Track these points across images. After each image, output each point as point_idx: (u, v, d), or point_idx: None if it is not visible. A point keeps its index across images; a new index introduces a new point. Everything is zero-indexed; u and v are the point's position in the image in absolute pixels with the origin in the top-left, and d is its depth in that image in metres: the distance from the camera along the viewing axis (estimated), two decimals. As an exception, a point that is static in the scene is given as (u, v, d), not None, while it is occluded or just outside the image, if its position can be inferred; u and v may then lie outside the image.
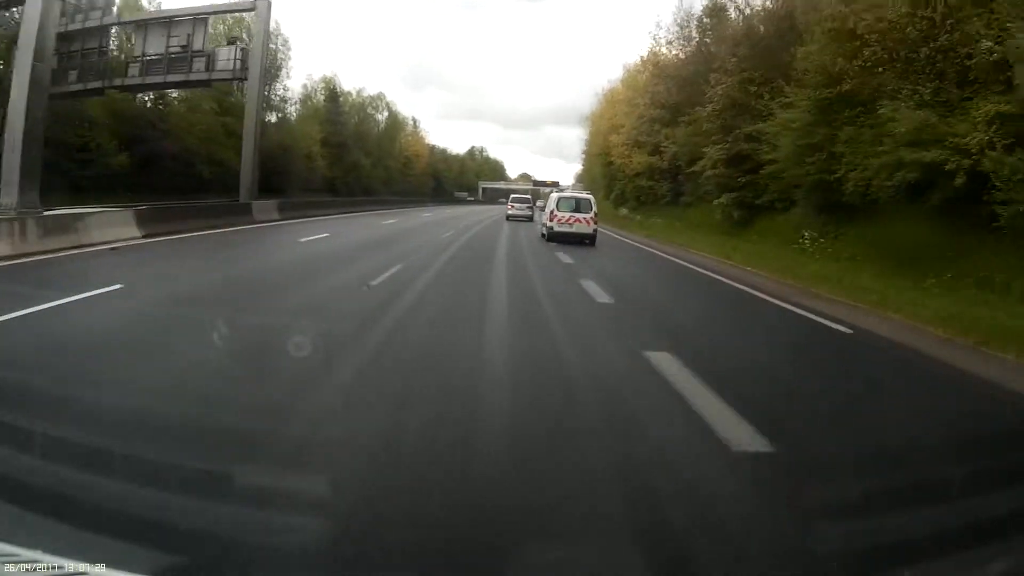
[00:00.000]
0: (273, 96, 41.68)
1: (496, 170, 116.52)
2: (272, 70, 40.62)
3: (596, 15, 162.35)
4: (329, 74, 59.67)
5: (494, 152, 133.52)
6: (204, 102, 35.01)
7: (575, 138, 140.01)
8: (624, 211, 31.84)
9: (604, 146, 42.78)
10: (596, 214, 15.75)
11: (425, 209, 38.99)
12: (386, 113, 70.66)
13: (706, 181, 19.65)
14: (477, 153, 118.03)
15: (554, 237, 14.99)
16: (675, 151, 24.55)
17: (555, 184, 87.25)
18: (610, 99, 43.20)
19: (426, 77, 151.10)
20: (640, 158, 29.58)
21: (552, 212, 15.78)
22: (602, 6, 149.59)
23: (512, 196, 30.20)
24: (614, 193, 40.73)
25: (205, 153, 30.88)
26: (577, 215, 15.32)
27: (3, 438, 2.38)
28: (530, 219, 24.99)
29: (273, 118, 42.31)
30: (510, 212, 26.25)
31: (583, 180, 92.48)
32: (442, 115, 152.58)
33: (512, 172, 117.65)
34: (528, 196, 32.28)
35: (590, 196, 17.08)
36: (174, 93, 33.22)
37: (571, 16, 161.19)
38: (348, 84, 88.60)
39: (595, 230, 15.34)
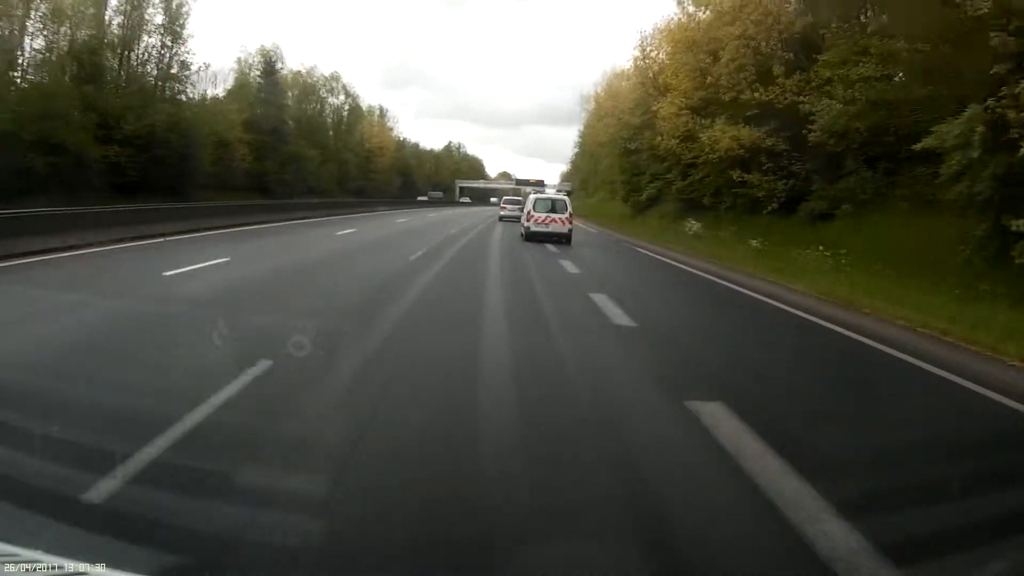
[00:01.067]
0: (164, 63, 42.49)
1: (475, 168, 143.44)
2: (176, 26, 42.08)
3: (579, 15, 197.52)
4: (269, 45, 63.95)
5: (474, 150, 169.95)
6: (52, 66, 34.92)
7: (556, 138, 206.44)
8: (695, 226, 27.62)
9: (626, 128, 41.42)
10: (571, 214, 25.43)
11: (358, 218, 37.01)
12: (343, 98, 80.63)
13: (969, 173, 13.03)
14: (455, 149, 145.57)
15: (531, 236, 23.77)
16: (834, 113, 19.65)
17: (540, 183, 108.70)
18: (642, 62, 38.84)
19: (407, 76, 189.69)
20: (735, 132, 25.43)
21: (529, 213, 24.89)
22: (585, 6, 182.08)
23: (505, 198, 47.54)
24: (644, 194, 38.33)
25: (37, 135, 29.78)
26: (553, 215, 24.47)
27: (3, 438, 3.35)
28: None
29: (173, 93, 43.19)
30: (503, 213, 40.44)
31: (573, 179, 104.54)
32: (422, 114, 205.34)
33: (492, 171, 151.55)
34: (520, 198, 43.61)
35: (566, 198, 28.31)
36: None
37: (554, 15, 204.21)
38: (297, 61, 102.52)
39: (570, 229, 24.54)
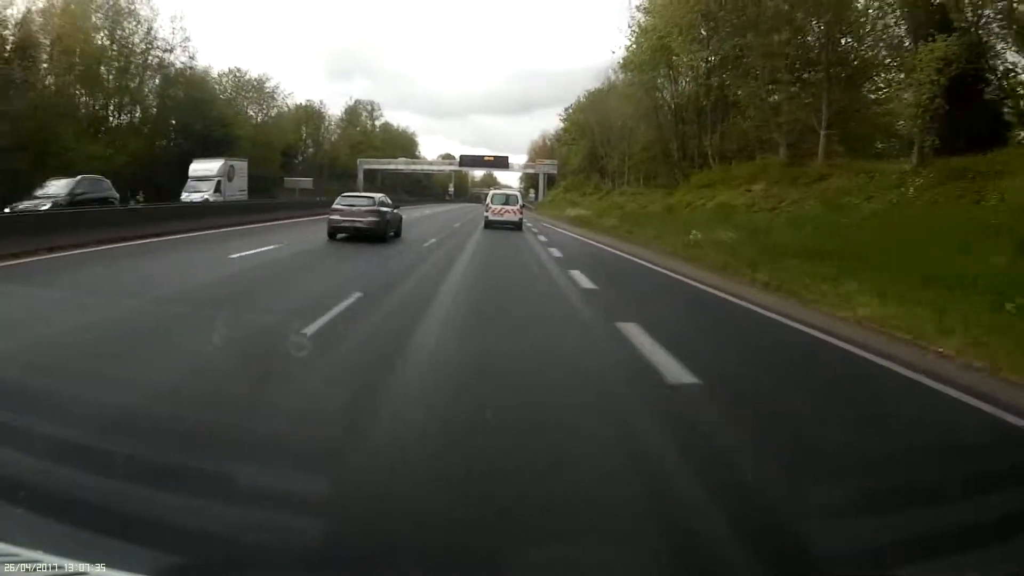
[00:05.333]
0: None
1: (401, 144, 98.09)
2: None
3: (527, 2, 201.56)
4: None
5: (419, 139, 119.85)
6: None
7: (505, 129, 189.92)
8: None
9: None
10: (522, 206, 33.04)
11: None
12: None
13: None
14: (364, 113, 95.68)
15: (489, 224, 30.39)
16: None
17: (499, 162, 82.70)
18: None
19: (352, 66, 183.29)
20: None
21: (488, 205, 32.43)
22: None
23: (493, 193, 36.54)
24: None
25: None
26: (506, 207, 31.63)
27: (4, 438, 3.37)
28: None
29: None
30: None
31: (565, 158, 74.12)
32: (390, 122, 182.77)
33: (431, 156, 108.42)
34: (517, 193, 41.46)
35: (518, 193, 38.18)
36: None
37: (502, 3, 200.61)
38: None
39: (520, 218, 31.43)
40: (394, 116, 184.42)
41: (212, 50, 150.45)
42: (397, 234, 22.45)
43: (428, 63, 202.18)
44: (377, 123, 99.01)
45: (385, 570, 2.67)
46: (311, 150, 78.93)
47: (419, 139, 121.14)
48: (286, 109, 73.21)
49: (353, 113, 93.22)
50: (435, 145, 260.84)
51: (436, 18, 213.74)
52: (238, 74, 65.81)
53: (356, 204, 20.80)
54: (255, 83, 67.45)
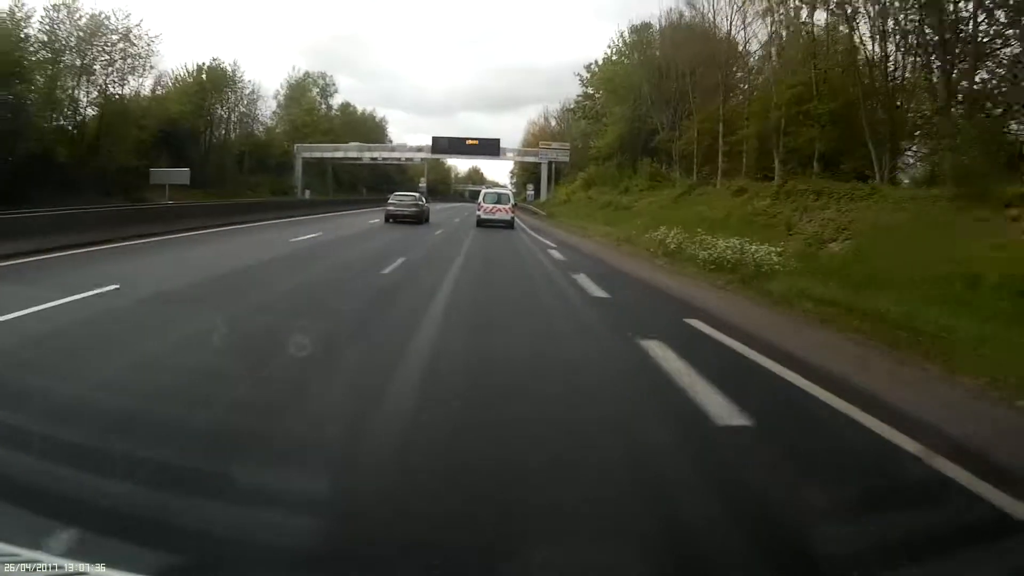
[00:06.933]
0: None
1: (366, 133, 75.68)
2: None
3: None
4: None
5: (401, 139, 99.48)
6: None
7: (490, 126, 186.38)
8: None
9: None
10: (514, 205, 34.07)
11: None
12: None
13: None
14: (315, 88, 73.53)
15: (481, 223, 31.00)
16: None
17: (492, 145, 64.54)
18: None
19: (332, 64, 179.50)
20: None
21: (480, 204, 33.22)
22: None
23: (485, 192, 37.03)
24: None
25: None
26: (498, 206, 32.49)
27: (3, 438, 3.42)
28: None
29: None
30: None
31: (584, 134, 57.82)
32: (349, 103, 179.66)
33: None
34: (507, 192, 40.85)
35: (509, 192, 38.57)
36: None
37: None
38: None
39: (512, 217, 32.23)
40: (378, 114, 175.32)
41: (193, 48, 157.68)
42: (427, 220, 32.35)
43: (412, 58, 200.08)
44: (334, 103, 77.66)
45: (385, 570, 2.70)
46: (223, 131, 57.08)
47: (404, 137, 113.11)
48: (185, 72, 52.97)
49: (299, 89, 70.87)
50: (419, 142, 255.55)
51: (420, 12, 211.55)
52: (70, 11, 42.31)
53: (404, 200, 32.47)
54: (93, 23, 42.41)
